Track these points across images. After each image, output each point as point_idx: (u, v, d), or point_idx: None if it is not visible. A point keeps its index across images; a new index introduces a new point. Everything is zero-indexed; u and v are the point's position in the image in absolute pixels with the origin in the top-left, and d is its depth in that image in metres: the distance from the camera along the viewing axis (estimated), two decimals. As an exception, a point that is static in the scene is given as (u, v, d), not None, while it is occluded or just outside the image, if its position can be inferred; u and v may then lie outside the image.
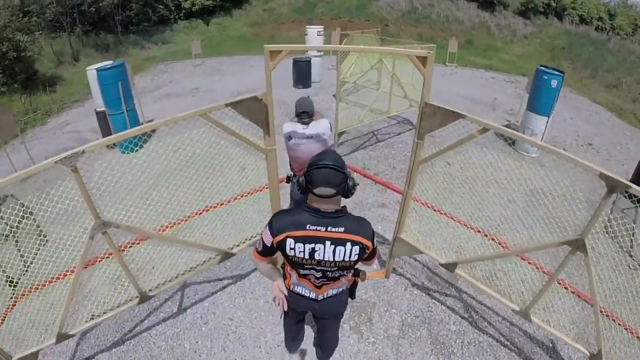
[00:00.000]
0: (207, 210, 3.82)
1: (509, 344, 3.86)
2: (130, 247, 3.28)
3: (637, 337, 3.98)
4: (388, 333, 3.83)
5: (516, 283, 3.79)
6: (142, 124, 7.57)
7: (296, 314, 2.67)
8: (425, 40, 18.50)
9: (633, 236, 5.71)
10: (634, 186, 2.35)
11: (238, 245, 3.85)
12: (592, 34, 18.83)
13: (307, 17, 20.17)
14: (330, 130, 3.86)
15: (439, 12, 20.05)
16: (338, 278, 2.26)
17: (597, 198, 2.75)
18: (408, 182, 3.59)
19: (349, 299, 2.59)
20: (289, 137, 3.75)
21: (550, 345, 3.87)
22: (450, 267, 3.66)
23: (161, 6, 20.34)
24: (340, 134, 6.69)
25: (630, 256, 5.26)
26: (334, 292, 2.37)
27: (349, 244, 2.02)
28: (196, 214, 3.77)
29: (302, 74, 11.04)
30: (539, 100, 7.46)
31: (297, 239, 2.02)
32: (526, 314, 3.37)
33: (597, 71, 15.04)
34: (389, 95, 8.14)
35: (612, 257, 5.15)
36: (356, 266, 2.28)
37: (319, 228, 2.01)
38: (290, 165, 4.10)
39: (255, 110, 3.13)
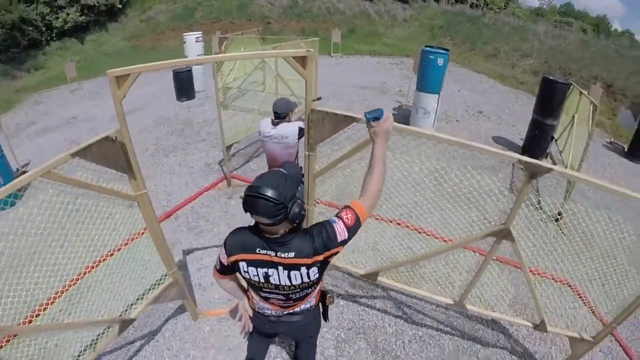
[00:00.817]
0: (91, 270, 3.08)
1: (449, 329, 3.76)
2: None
3: (565, 283, 4.14)
4: (325, 355, 3.46)
5: (445, 276, 3.68)
6: (17, 171, 6.63)
7: (262, 336, 2.40)
8: (309, 34, 18.49)
9: (538, 191, 6.00)
10: (556, 168, 2.19)
11: (135, 304, 3.13)
12: (468, 11, 20.08)
13: (187, 24, 19.19)
14: (298, 135, 3.89)
15: (320, 5, 20.19)
16: (305, 297, 2.03)
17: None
18: (307, 200, 3.11)
19: (322, 321, 2.37)
20: (259, 132, 4.06)
21: (492, 321, 3.83)
22: (372, 277, 3.38)
23: (30, 28, 17.88)
24: (229, 147, 6.17)
25: (540, 209, 5.52)
26: (300, 310, 2.11)
27: (303, 268, 1.79)
28: (73, 282, 3.04)
29: (183, 85, 10.30)
30: (428, 80, 7.59)
31: (249, 262, 1.84)
32: (461, 305, 3.22)
33: (476, 44, 16.09)
34: (275, 95, 7.79)
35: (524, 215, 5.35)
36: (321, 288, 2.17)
37: (269, 252, 1.78)
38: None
39: (111, 153, 2.45)
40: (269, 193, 1.63)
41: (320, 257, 1.76)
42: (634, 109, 8.58)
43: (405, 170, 6.14)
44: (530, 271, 3.56)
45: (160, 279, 3.26)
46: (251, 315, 2.21)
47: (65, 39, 19.20)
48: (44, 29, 18.69)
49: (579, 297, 4.10)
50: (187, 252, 4.71)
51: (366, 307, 3.98)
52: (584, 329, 3.12)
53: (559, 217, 5.24)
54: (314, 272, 1.81)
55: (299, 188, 1.94)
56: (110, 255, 3.09)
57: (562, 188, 6.10)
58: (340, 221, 1.77)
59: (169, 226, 5.18)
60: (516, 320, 3.32)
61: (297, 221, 1.74)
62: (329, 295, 2.27)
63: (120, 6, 20.14)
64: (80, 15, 19.04)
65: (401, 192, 5.09)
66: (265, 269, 1.82)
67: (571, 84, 6.66)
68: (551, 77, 6.99)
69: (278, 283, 1.86)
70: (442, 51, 7.45)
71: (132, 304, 3.14)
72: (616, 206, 5.76)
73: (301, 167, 2.20)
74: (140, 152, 7.27)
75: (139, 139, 7.98)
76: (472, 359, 3.53)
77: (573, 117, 6.04)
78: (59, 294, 2.89)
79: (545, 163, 2.10)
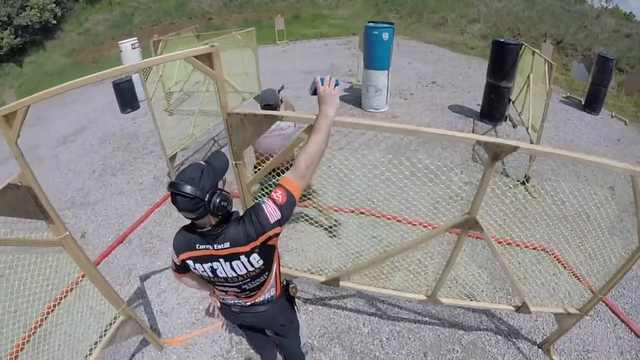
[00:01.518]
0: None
1: (428, 319, 3.54)
2: None
3: (542, 249, 3.96)
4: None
5: (416, 262, 3.42)
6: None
7: (248, 329, 2.43)
8: (252, 24, 17.91)
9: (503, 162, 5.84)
10: (523, 145, 1.83)
11: (92, 352, 2.80)
12: (410, -17, 19.81)
13: (127, 30, 18.21)
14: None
15: (261, -6, 19.54)
16: (260, 286, 1.96)
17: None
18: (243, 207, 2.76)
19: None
20: None
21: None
22: (334, 282, 3.06)
23: None
24: (172, 158, 5.75)
25: (507, 176, 5.35)
26: (262, 300, 2.06)
27: (243, 257, 1.74)
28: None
29: (125, 96, 9.66)
30: (375, 56, 7.31)
31: (194, 260, 1.83)
32: (435, 299, 2.95)
33: (422, 15, 15.92)
34: (215, 94, 7.39)
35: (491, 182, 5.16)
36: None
37: (207, 247, 1.76)
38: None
39: (18, 201, 2.11)
40: (184, 188, 1.59)
41: (257, 243, 1.71)
42: (586, 61, 8.59)
43: (359, 154, 5.83)
44: (504, 242, 3.35)
45: (115, 317, 3.00)
46: (219, 307, 2.21)
47: (3, 65, 17.97)
48: (-22, 57, 17.36)
49: (559, 263, 3.93)
50: (144, 278, 4.36)
51: (337, 309, 3.71)
52: (569, 302, 2.90)
53: (525, 181, 5.06)
54: (255, 259, 1.76)
55: (223, 180, 1.80)
56: (53, 309, 2.93)
57: (524, 149, 5.97)
58: (270, 201, 1.69)
59: (124, 252, 4.87)
60: (497, 306, 3.10)
61: (219, 213, 1.67)
62: (291, 285, 2.23)
63: (55, 22, 18.91)
64: (15, 38, 17.84)
65: (357, 179, 4.82)
66: (209, 264, 1.80)
67: (522, 44, 6.49)
68: (501, 40, 6.82)
69: (225, 275, 1.83)
70: (386, 25, 7.16)
71: (89, 352, 2.87)
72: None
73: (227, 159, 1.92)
74: (88, 175, 6.95)
75: (85, 161, 7.64)
76: (455, 346, 3.31)
77: (528, 77, 5.87)
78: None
79: (509, 141, 1.77)
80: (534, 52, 5.76)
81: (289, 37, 15.54)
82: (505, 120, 7.08)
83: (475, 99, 8.12)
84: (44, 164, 8.00)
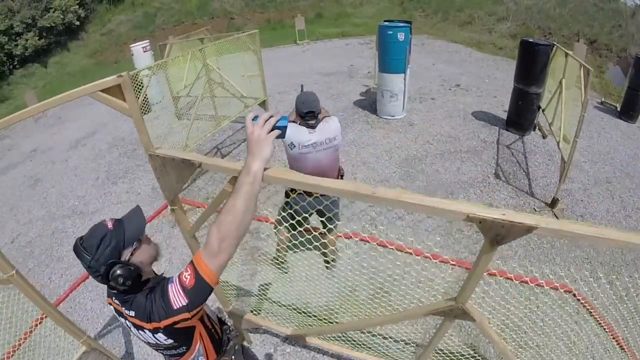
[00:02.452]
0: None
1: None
2: None
3: (555, 288, 3.37)
4: None
5: (390, 340, 2.88)
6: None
7: None
8: (274, 24, 17.64)
9: (528, 173, 5.21)
10: (543, 223, 1.06)
11: None
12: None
13: (149, 31, 18.26)
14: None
15: (284, -7, 19.17)
16: (183, 354, 1.65)
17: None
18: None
19: None
20: (291, 145, 3.03)
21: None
22: (299, 338, 2.58)
23: None
24: None
25: (532, 195, 4.73)
26: None
27: (147, 331, 1.48)
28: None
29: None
30: (390, 58, 6.73)
31: (115, 309, 1.64)
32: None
33: (449, 13, 15.16)
34: (223, 99, 7.11)
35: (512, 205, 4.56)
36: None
37: (119, 304, 1.56)
38: None
39: None
40: (80, 255, 1.43)
41: (160, 325, 1.40)
42: (622, 63, 7.78)
43: (367, 167, 5.35)
44: (521, 280, 2.79)
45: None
46: None
47: (28, 66, 18.38)
48: (4, 58, 17.94)
49: (587, 309, 3.32)
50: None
51: (318, 353, 3.20)
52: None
53: (553, 203, 4.44)
54: (162, 337, 1.49)
55: None
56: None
57: (554, 165, 5.31)
58: (177, 282, 1.34)
59: None
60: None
61: (120, 286, 1.44)
62: (225, 328, 1.94)
63: (78, 23, 19.18)
64: (39, 39, 18.20)
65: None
66: (124, 320, 1.60)
67: (554, 44, 5.79)
68: (530, 39, 6.11)
69: (139, 337, 1.60)
70: (402, 24, 6.57)
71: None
72: (618, 178, 5.03)
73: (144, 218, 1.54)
74: (92, 182, 6.77)
75: (91, 166, 7.55)
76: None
77: (560, 82, 5.20)
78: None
79: (519, 215, 1.07)
80: (567, 54, 5.08)
81: (310, 36, 15.11)
82: (534, 130, 6.40)
83: (502, 105, 7.45)
84: (54, 168, 7.95)
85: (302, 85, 3.61)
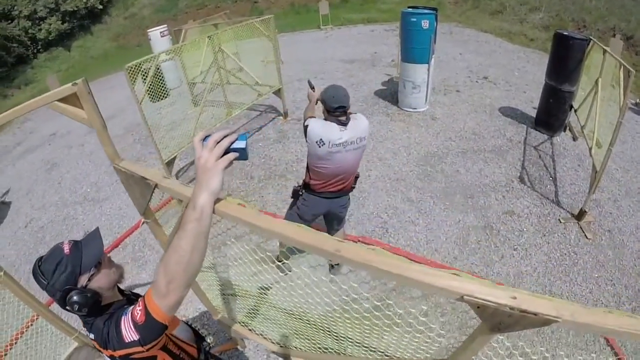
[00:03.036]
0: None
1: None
2: None
3: None
4: None
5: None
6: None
7: None
8: (299, 8, 17.21)
9: (555, 180, 4.84)
10: (565, 315, 0.79)
11: None
12: (469, -36, 18.20)
13: (172, 14, 18.16)
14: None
15: (310, -25, 18.65)
16: None
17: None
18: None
19: None
20: (320, 142, 2.75)
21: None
22: (284, 356, 2.38)
23: (15, 45, 17.39)
24: (170, 162, 5.31)
25: (558, 204, 4.37)
26: None
27: (106, 356, 1.44)
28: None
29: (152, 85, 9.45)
30: (413, 48, 6.35)
31: None
32: None
33: (480, 1, 14.47)
34: (236, 87, 7.03)
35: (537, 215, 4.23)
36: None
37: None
38: (309, 175, 3.06)
39: None
40: (37, 278, 1.41)
41: (115, 354, 1.36)
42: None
43: (387, 161, 5.11)
44: None
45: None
46: None
47: (52, 49, 18.61)
48: (29, 43, 18.19)
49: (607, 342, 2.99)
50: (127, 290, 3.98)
51: None
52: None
53: (580, 215, 4.09)
54: None
55: None
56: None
57: (584, 171, 4.91)
58: (130, 316, 1.28)
59: (115, 257, 4.61)
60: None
61: (76, 312, 1.42)
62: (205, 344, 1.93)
63: (101, 7, 19.26)
64: (62, 23, 18.40)
65: (379, 192, 4.05)
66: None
67: (590, 39, 5.31)
68: (565, 33, 5.62)
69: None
70: (426, 11, 6.17)
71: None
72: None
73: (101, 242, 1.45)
74: (105, 169, 6.77)
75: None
76: None
77: (597, 81, 4.75)
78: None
79: (539, 302, 0.69)
80: (604, 51, 4.63)
81: (334, 22, 14.68)
82: (565, 131, 5.96)
83: (531, 101, 6.99)
84: (71, 153, 7.98)
85: (309, 81, 3.35)
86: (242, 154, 1.08)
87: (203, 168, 1.06)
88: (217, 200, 1.09)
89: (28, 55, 18.23)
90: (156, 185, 1.36)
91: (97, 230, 1.52)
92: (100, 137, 1.55)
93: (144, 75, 4.89)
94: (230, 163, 1.08)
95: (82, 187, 6.45)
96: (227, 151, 1.06)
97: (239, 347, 3.26)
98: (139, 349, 1.30)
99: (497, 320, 0.73)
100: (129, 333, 1.28)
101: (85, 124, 1.52)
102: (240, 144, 1.08)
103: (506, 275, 3.51)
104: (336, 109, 2.75)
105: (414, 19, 6.13)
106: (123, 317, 1.31)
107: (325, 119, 2.83)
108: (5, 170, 8.23)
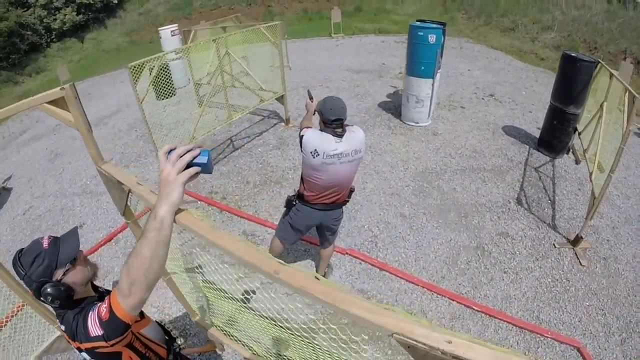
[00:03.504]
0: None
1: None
2: None
3: (560, 341, 3.00)
4: None
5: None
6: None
7: None
8: (312, 15, 17.28)
9: (553, 202, 4.76)
10: None
11: None
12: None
13: (186, 13, 18.31)
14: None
15: (323, -17, 18.73)
16: None
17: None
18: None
19: None
20: (315, 152, 2.75)
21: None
22: None
23: (29, 32, 17.62)
24: None
25: (555, 229, 4.28)
26: None
27: (75, 349, 1.49)
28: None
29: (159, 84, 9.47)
30: (418, 62, 6.31)
31: None
32: None
33: (492, 17, 14.42)
34: (240, 90, 7.01)
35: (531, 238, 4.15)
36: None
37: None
38: (303, 186, 3.06)
39: None
40: (17, 268, 1.50)
41: (81, 347, 1.44)
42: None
43: (383, 174, 5.07)
44: (523, 327, 2.45)
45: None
46: None
47: (65, 40, 18.79)
48: (43, 31, 18.40)
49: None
50: (116, 284, 3.97)
51: None
52: None
53: (576, 240, 4.01)
54: (87, 357, 1.48)
55: None
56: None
57: (584, 195, 4.83)
58: (96, 312, 1.37)
59: (108, 251, 4.74)
60: None
61: (49, 304, 1.51)
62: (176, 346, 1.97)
63: (116, 1, 19.49)
64: (77, 15, 18.61)
65: (372, 205, 4.01)
66: None
67: (598, 61, 5.23)
68: (573, 54, 5.54)
69: None
70: (434, 26, 6.14)
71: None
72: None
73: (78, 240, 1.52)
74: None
75: (108, 146, 7.58)
76: None
77: (602, 105, 4.68)
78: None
79: (478, 350, 0.61)
80: (611, 75, 4.56)
81: (345, 30, 14.69)
82: (567, 153, 5.88)
83: (536, 121, 6.92)
84: (74, 144, 8.03)
85: (308, 91, 3.32)
86: (205, 168, 1.14)
87: (165, 181, 1.11)
88: (180, 211, 1.14)
89: (41, 44, 18.39)
90: (130, 190, 1.40)
91: (75, 229, 1.62)
92: (85, 140, 1.60)
93: (150, 70, 4.95)
94: (194, 176, 1.14)
95: (82, 179, 6.49)
96: (189, 165, 1.11)
97: (217, 350, 3.22)
98: (103, 343, 1.38)
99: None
100: (94, 328, 1.37)
101: (72, 127, 1.58)
102: (202, 159, 1.13)
103: (493, 298, 3.44)
104: (333, 121, 2.72)
105: (421, 33, 6.11)
106: (90, 312, 1.39)
107: (322, 130, 2.81)
108: (10, 157, 8.36)
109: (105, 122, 9.07)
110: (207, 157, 1.13)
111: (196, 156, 1.12)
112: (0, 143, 9.53)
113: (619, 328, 3.18)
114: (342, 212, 3.24)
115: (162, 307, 3.74)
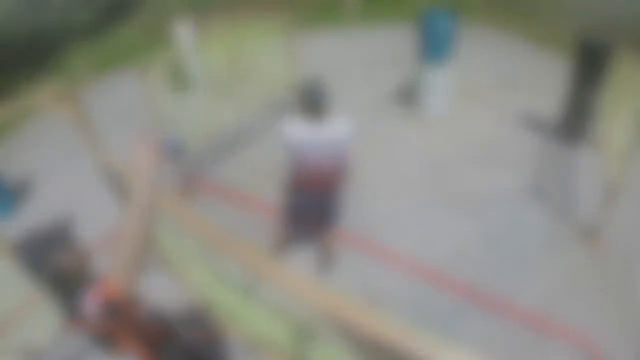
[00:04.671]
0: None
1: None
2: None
3: (567, 337, 2.90)
4: None
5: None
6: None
7: None
8: (331, 4, 17.00)
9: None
10: None
11: None
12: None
13: (206, 8, 18.22)
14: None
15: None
16: None
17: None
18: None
19: None
20: (293, 139, 2.89)
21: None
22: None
23: (49, 29, 17.76)
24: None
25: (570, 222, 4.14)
26: None
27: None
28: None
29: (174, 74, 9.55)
30: (431, 50, 6.14)
31: None
32: None
33: (512, 2, 14.03)
34: (252, 86, 7.00)
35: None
36: None
37: None
38: (292, 173, 3.14)
39: None
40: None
41: None
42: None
43: (390, 164, 5.03)
44: (531, 321, 2.40)
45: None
46: None
47: (85, 36, 18.87)
48: (63, 28, 18.39)
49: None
50: None
51: None
52: None
53: (594, 234, 3.85)
54: None
55: None
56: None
57: (602, 187, 4.63)
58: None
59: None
60: None
61: None
62: None
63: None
64: (97, 12, 18.61)
65: (380, 193, 4.00)
66: None
67: (620, 49, 5.02)
68: (594, 40, 5.37)
69: None
70: (448, 13, 5.97)
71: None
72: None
73: None
74: None
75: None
76: None
77: (623, 94, 4.47)
78: None
79: None
80: (634, 62, 4.33)
81: (363, 19, 14.39)
82: (587, 143, 5.65)
83: (555, 110, 6.68)
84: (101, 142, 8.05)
85: (310, 81, 3.29)
86: (177, 156, 1.27)
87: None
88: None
89: (61, 41, 18.64)
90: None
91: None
92: (82, 138, 1.64)
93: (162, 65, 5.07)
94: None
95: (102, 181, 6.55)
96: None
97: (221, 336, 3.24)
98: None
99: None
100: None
101: (73, 126, 1.60)
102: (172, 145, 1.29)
103: (502, 292, 3.35)
104: (313, 109, 2.75)
105: (433, 19, 5.93)
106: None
107: (303, 117, 2.85)
108: (38, 150, 8.32)
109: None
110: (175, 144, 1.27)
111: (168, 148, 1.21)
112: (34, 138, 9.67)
113: (634, 324, 3.07)
114: (338, 196, 3.31)
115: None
